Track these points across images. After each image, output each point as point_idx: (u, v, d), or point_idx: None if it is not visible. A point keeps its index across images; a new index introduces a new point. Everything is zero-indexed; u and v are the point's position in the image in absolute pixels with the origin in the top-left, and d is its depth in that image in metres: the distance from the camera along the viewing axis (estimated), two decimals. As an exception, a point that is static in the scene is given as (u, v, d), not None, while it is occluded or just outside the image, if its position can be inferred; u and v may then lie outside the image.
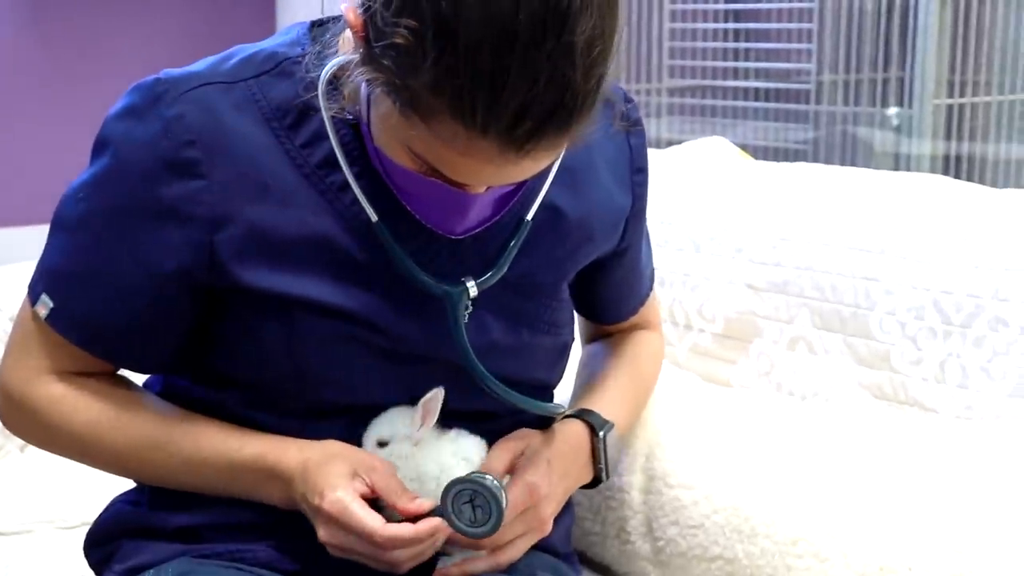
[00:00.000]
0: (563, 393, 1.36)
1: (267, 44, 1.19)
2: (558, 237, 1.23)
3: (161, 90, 1.13)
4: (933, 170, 3.10)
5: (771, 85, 3.57)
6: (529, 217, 1.18)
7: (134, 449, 1.19)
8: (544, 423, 1.25)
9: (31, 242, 1.26)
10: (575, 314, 1.37)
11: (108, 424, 1.19)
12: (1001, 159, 3.19)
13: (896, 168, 3.13)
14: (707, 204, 1.81)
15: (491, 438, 1.22)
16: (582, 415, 1.27)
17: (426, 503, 1.12)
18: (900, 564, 1.25)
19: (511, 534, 1.17)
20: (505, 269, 1.18)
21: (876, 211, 1.61)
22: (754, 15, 3.69)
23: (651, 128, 3.54)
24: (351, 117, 1.12)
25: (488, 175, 1.04)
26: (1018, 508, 1.23)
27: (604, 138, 1.21)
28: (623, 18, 1.01)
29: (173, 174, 1.12)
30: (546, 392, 1.31)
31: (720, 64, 3.70)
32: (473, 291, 1.15)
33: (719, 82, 3.70)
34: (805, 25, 3.43)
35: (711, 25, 3.71)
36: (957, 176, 3.03)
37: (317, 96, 1.11)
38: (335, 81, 1.11)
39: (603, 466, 1.26)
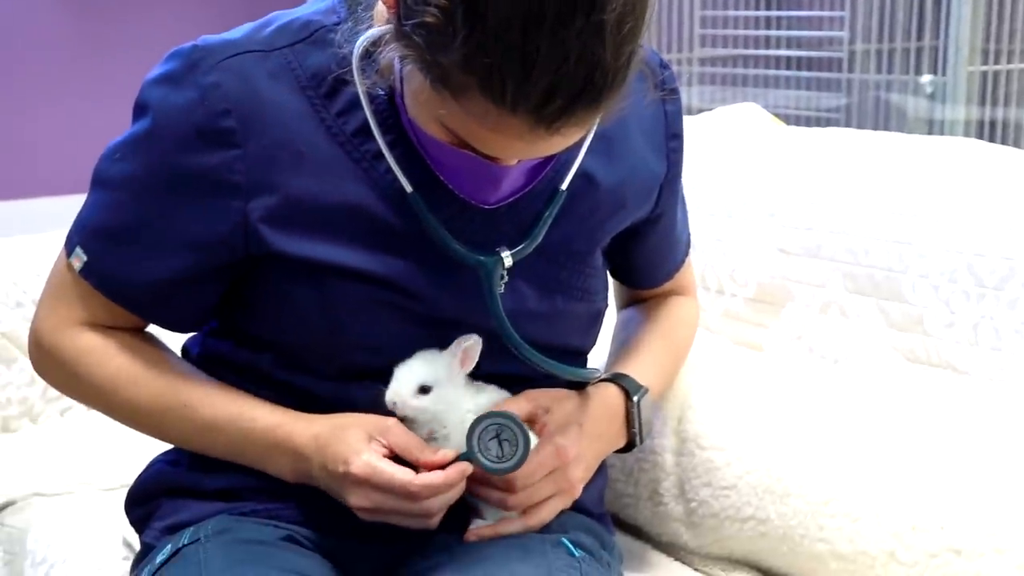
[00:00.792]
0: (598, 358, 1.37)
1: (303, 11, 1.19)
2: (592, 205, 1.23)
3: (198, 57, 1.14)
4: (967, 135, 3.08)
5: (803, 54, 3.54)
6: (564, 187, 1.19)
7: (150, 407, 1.21)
8: (577, 388, 1.26)
9: (70, 211, 1.28)
10: (610, 279, 1.37)
11: (127, 379, 1.21)
12: (1034, 125, 3.17)
13: (930, 134, 3.11)
14: (739, 169, 1.80)
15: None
16: (617, 379, 1.28)
17: (449, 452, 1.13)
18: (932, 523, 1.25)
19: (539, 495, 1.18)
20: (540, 239, 1.18)
21: (909, 174, 1.61)
22: (786, -18, 3.68)
23: (683, 98, 3.51)
24: (383, 92, 1.13)
25: (518, 150, 1.04)
26: (1050, 468, 1.24)
27: (640, 105, 1.22)
28: None
29: (208, 143, 1.13)
30: (579, 358, 1.31)
31: (752, 33, 3.67)
32: (508, 261, 1.16)
33: (751, 51, 3.68)
34: (838, -8, 3.42)
35: (743, -7, 3.70)
36: (991, 141, 3.01)
37: (351, 71, 1.12)
38: (370, 53, 1.11)
39: (637, 430, 1.27)
